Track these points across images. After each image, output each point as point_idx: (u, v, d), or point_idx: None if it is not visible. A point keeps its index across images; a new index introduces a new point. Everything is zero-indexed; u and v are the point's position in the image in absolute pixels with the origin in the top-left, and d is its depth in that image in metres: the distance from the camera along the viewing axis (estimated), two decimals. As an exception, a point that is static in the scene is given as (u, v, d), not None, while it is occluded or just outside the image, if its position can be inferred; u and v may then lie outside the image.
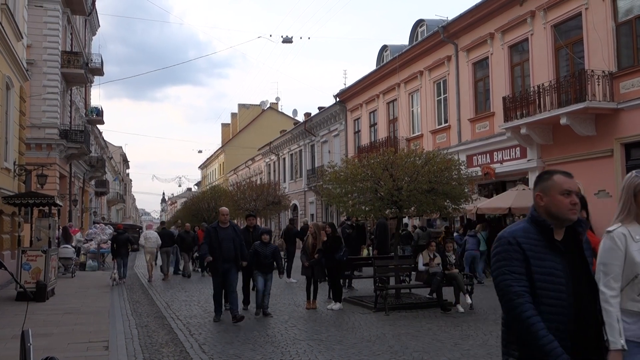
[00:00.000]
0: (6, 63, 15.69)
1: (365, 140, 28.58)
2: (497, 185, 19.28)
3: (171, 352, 7.43)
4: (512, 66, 18.45)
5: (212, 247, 9.66)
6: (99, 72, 34.89)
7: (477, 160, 19.69)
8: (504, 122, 17.10)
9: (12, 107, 16.72)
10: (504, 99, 17.28)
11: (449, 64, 21.65)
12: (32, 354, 4.93)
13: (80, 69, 28.23)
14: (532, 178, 17.25)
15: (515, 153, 18.01)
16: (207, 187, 49.71)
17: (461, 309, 10.40)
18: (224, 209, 10.49)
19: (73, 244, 20.70)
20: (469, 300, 10.61)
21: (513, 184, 17.87)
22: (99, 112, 38.40)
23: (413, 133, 24.46)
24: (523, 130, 16.32)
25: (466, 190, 12.41)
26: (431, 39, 22.40)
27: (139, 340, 8.20)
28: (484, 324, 9.11)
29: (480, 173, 18.59)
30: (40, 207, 13.68)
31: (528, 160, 17.33)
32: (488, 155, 19.33)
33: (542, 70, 16.70)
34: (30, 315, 9.87)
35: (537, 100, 15.88)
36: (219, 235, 9.68)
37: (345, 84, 36.39)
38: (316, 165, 35.21)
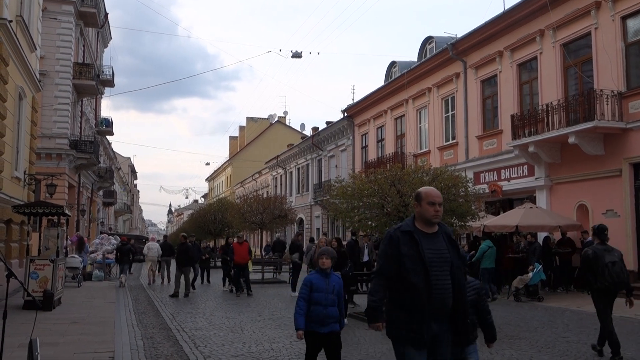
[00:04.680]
0: (19, 74, 15.89)
1: (372, 155, 28.63)
2: (504, 202, 19.25)
3: (176, 364, 7.43)
4: (520, 84, 18.51)
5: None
6: (110, 83, 35.27)
7: (484, 178, 19.68)
8: (512, 139, 17.13)
9: (24, 117, 16.91)
10: (512, 116, 17.32)
11: (458, 81, 21.74)
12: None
13: (91, 81, 28.58)
14: (539, 196, 17.24)
15: (523, 171, 18.01)
16: (214, 200, 49.85)
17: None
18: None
19: (92, 255, 21.27)
20: (474, 318, 10.54)
21: (520, 202, 17.84)
22: (108, 123, 38.76)
23: (420, 149, 24.50)
24: (531, 149, 16.32)
25: (473, 207, 12.40)
26: (440, 56, 22.53)
27: (144, 351, 8.19)
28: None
29: (487, 190, 18.57)
30: (49, 217, 13.77)
31: (536, 179, 17.31)
32: (495, 172, 19.32)
33: (550, 88, 16.75)
34: (37, 325, 9.93)
35: (545, 118, 15.92)
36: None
37: (353, 99, 36.58)
38: (323, 180, 35.28)
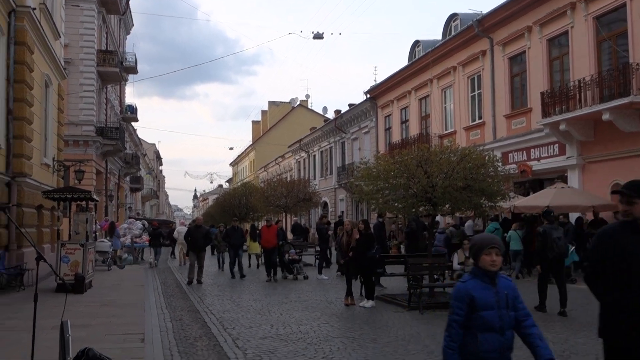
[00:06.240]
0: (45, 61, 16.02)
1: (396, 137, 28.32)
2: (533, 183, 18.84)
3: (205, 346, 7.44)
4: (550, 60, 17.99)
5: None
6: (133, 70, 35.45)
7: (513, 158, 19.28)
8: (542, 117, 16.69)
9: (50, 105, 17.09)
10: (542, 94, 16.86)
11: (484, 59, 21.25)
12: (71, 344, 5.00)
13: (115, 68, 28.77)
14: (571, 176, 16.81)
15: (554, 150, 17.57)
16: (238, 184, 50.08)
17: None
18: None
19: (121, 239, 21.64)
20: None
21: (551, 182, 17.42)
22: (133, 110, 39.08)
23: (446, 130, 24.11)
24: (562, 127, 15.89)
25: (502, 187, 12.11)
26: (465, 34, 22.03)
27: (173, 333, 8.26)
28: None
29: (516, 171, 18.19)
30: (78, 202, 13.94)
31: (567, 158, 16.88)
32: (524, 152, 18.91)
33: (582, 64, 16.22)
34: (68, 307, 9.98)
35: (577, 95, 15.45)
36: None
37: (376, 81, 36.17)
38: (346, 163, 35.09)
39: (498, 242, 3.43)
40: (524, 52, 19.06)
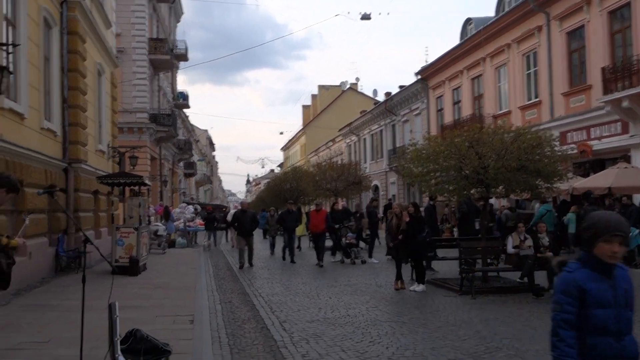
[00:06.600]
0: (97, 50, 16.43)
1: (448, 118, 27.67)
2: (594, 163, 17.97)
3: (252, 329, 7.47)
4: (611, 34, 17.00)
5: None
6: (184, 57, 35.98)
7: (572, 137, 18.44)
8: (603, 95, 15.84)
9: (104, 93, 17.56)
10: (603, 69, 16.00)
11: (540, 35, 20.35)
12: (118, 325, 5.08)
13: (166, 55, 29.29)
14: (635, 155, 15.93)
15: (616, 128, 16.67)
16: (289, 169, 50.39)
17: (555, 294, 9.71)
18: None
19: (175, 223, 22.19)
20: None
21: (613, 162, 16.56)
22: (184, 97, 39.80)
23: (500, 110, 23.32)
24: (625, 104, 15.04)
25: (559, 168, 11.58)
26: (519, 9, 21.11)
27: (222, 315, 8.34)
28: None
29: (575, 151, 17.39)
30: (131, 187, 14.29)
31: (631, 136, 15.98)
32: (584, 131, 18.05)
33: (647, 36, 15.26)
34: (123, 289, 10.36)
35: (641, 69, 14.56)
36: None
37: (427, 61, 35.38)
38: (397, 145, 34.62)
39: (625, 227, 2.65)
40: (583, 26, 18.10)
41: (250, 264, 15.24)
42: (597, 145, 17.26)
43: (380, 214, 22.74)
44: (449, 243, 13.47)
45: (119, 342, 5.07)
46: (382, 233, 18.03)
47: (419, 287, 10.64)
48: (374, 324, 7.65)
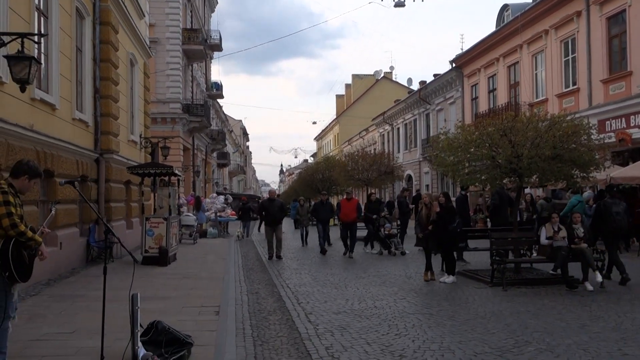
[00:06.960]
0: (130, 40, 16.57)
1: (483, 107, 27.10)
2: (633, 152, 17.31)
3: (277, 320, 7.43)
4: (655, 17, 16.28)
5: None
6: (218, 47, 36.17)
7: (611, 125, 17.79)
8: (645, 81, 15.19)
9: (136, 83, 17.73)
10: (644, 54, 15.32)
11: (579, 21, 19.65)
12: (139, 316, 5.10)
13: (199, 45, 29.42)
14: (678, 143, 15.26)
15: (658, 116, 16.01)
16: (322, 159, 50.34)
17: (590, 287, 9.40)
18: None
19: (207, 213, 22.37)
20: (599, 278, 9.56)
21: (654, 150, 15.92)
22: (218, 87, 40.04)
23: (536, 98, 22.69)
24: (668, 90, 14.39)
25: (597, 157, 11.13)
26: (558, -7, 20.43)
27: (248, 306, 8.32)
28: (616, 305, 8.14)
29: (614, 139, 16.77)
30: (162, 177, 14.39)
31: (673, 124, 15.33)
32: (623, 119, 17.38)
33: (693, 19, 14.52)
34: (152, 279, 10.46)
35: (686, 54, 13.88)
36: None
37: (462, 49, 34.68)
38: (431, 135, 34.14)
39: None
40: (624, 10, 17.39)
41: (278, 256, 14.70)
42: (636, 133, 16.62)
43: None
44: (482, 234, 13.16)
45: (139, 333, 5.09)
46: (412, 223, 17.78)
47: (449, 279, 10.44)
48: (401, 316, 7.52)
